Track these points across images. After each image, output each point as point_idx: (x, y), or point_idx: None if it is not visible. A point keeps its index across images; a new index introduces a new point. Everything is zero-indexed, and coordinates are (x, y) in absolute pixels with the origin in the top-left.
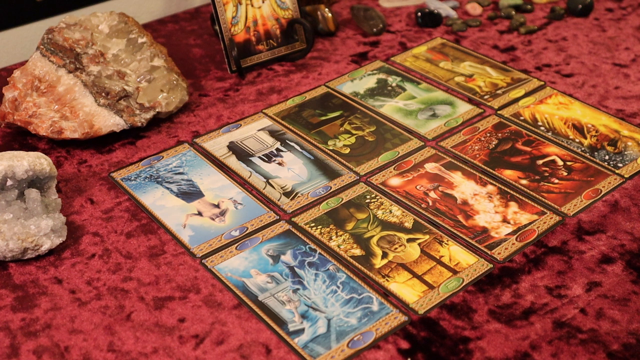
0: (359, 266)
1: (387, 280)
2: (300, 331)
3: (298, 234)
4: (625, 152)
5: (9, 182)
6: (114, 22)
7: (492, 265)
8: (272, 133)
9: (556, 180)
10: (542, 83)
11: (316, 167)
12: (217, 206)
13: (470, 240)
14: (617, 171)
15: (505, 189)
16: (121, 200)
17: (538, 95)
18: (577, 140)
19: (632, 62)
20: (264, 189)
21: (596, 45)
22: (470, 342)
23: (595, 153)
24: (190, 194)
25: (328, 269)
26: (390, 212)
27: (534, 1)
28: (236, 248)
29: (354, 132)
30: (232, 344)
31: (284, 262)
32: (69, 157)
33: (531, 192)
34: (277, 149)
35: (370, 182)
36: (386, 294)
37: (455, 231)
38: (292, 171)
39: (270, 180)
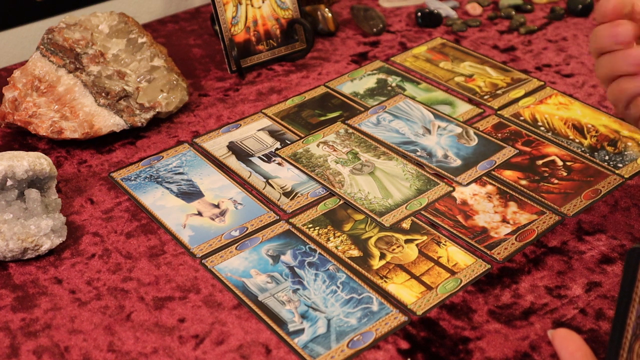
0: (357, 268)
1: (385, 281)
2: (300, 331)
3: (298, 234)
4: (625, 152)
5: (9, 182)
6: (114, 22)
7: (490, 266)
8: (272, 133)
9: (556, 181)
10: (542, 83)
11: None
12: (217, 206)
13: (469, 241)
14: (617, 171)
15: (505, 189)
16: (121, 200)
17: (538, 96)
18: (577, 140)
19: None
20: (263, 189)
21: None
22: (470, 342)
23: (595, 153)
24: (190, 194)
25: (328, 269)
26: None
27: (534, 1)
28: (236, 248)
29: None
30: (232, 344)
31: (283, 262)
32: (69, 157)
33: (531, 193)
34: (277, 149)
35: None
36: (385, 294)
37: (454, 231)
38: (291, 171)
39: (270, 180)
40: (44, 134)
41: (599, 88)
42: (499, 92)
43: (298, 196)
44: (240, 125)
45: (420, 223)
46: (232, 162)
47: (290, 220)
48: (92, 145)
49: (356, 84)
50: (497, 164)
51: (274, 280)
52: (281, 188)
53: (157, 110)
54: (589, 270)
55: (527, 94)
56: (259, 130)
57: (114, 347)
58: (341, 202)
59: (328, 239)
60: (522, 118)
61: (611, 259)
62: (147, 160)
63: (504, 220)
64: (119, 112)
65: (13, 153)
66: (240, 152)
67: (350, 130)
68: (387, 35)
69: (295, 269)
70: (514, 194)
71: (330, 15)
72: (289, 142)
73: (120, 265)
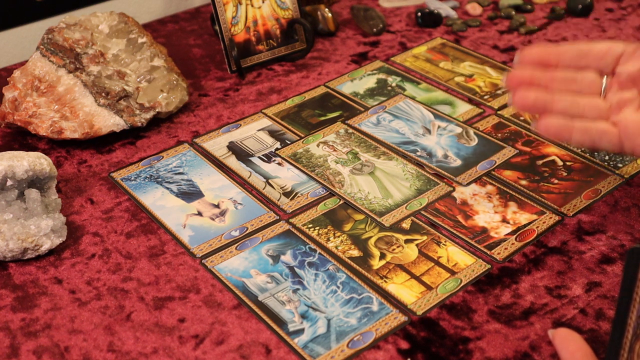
0: (357, 268)
1: (385, 281)
2: (300, 331)
3: (298, 234)
4: None
5: (9, 182)
6: (114, 22)
7: (490, 266)
8: (272, 133)
9: (556, 181)
10: None
11: None
12: (217, 206)
13: (469, 241)
14: (617, 171)
15: (505, 189)
16: (121, 200)
17: None
18: None
19: None
20: (263, 189)
21: None
22: (470, 342)
23: (595, 153)
24: (190, 194)
25: (328, 269)
26: None
27: (534, 1)
28: (236, 248)
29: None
30: (232, 344)
31: (283, 262)
32: (69, 157)
33: (531, 193)
34: (277, 149)
35: None
36: (385, 294)
37: (454, 231)
38: (291, 171)
39: (270, 180)
40: (44, 134)
41: None
42: (499, 92)
43: (298, 196)
44: (240, 125)
45: (420, 223)
46: (232, 162)
47: (290, 220)
48: (92, 145)
49: (356, 84)
50: (497, 164)
51: (274, 280)
52: (281, 188)
53: (157, 110)
54: (589, 270)
55: None
56: (259, 130)
57: (114, 347)
58: (341, 202)
59: (328, 239)
60: (522, 118)
61: (611, 259)
62: (147, 160)
63: (504, 220)
64: (119, 112)
65: (13, 153)
66: (240, 152)
67: (350, 130)
68: (387, 35)
69: (295, 269)
70: (514, 194)
71: (330, 15)
72: (289, 142)
73: (120, 265)
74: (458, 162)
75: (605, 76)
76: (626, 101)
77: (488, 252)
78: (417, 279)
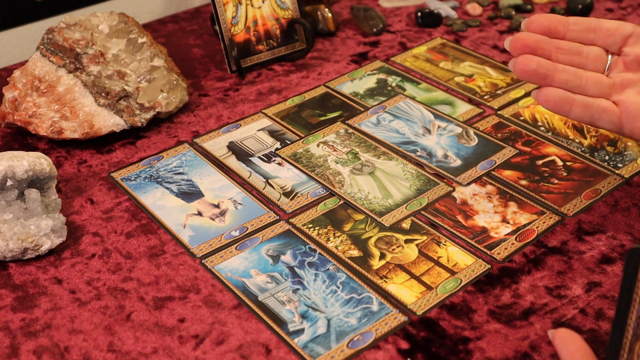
0: (357, 268)
1: (385, 281)
2: (300, 331)
3: (298, 234)
4: (625, 153)
5: (9, 182)
6: (114, 22)
7: (490, 266)
8: (272, 133)
9: (556, 181)
10: None
11: None
12: (217, 206)
13: (469, 241)
14: (617, 171)
15: (505, 189)
16: (121, 200)
17: None
18: (577, 140)
19: None
20: (263, 189)
21: None
22: (470, 342)
23: (595, 153)
24: (190, 194)
25: (328, 269)
26: None
27: (534, 1)
28: (236, 248)
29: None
30: (232, 344)
31: (283, 262)
32: (69, 157)
33: (531, 193)
34: (277, 149)
35: None
36: (385, 294)
37: (454, 231)
38: (291, 171)
39: (270, 180)
40: (44, 134)
41: None
42: (499, 92)
43: (298, 196)
44: (240, 125)
45: (420, 223)
46: (232, 162)
47: (290, 220)
48: (92, 145)
49: (356, 84)
50: (497, 164)
51: (274, 280)
52: (281, 188)
53: (157, 110)
54: (589, 270)
55: (527, 94)
56: (259, 130)
57: (114, 347)
58: (341, 202)
59: (328, 239)
60: (522, 118)
61: (611, 259)
62: (147, 160)
63: (504, 220)
64: (119, 112)
65: (13, 153)
66: (240, 152)
67: (350, 130)
68: (387, 35)
69: (295, 269)
70: (514, 194)
71: (330, 15)
72: (289, 142)
73: (120, 265)
74: (458, 162)
75: (610, 55)
76: (630, 82)
77: (488, 252)
78: (417, 279)
